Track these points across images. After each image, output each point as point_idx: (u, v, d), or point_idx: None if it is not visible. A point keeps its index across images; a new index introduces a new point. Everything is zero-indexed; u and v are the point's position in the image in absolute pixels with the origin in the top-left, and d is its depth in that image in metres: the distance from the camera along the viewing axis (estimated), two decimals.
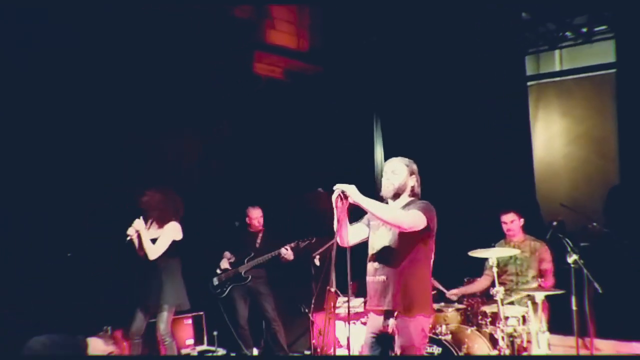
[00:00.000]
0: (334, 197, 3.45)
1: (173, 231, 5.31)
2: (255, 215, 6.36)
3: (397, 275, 3.53)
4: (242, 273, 6.21)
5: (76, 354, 3.73)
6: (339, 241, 3.59)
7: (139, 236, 5.22)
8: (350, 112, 7.86)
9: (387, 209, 3.51)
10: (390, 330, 3.57)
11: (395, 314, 3.53)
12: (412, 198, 3.70)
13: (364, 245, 3.81)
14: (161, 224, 5.31)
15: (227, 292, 6.23)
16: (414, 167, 3.75)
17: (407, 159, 3.75)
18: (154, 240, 5.24)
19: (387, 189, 3.65)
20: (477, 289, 5.66)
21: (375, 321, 3.67)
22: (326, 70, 8.01)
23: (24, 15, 5.20)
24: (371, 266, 3.66)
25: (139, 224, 5.21)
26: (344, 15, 7.85)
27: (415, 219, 3.47)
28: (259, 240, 6.36)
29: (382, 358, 3.60)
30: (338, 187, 3.44)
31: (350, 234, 3.60)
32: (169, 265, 5.30)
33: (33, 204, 5.27)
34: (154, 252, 5.20)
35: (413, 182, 3.70)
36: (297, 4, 7.98)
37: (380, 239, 3.63)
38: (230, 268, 6.30)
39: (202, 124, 6.82)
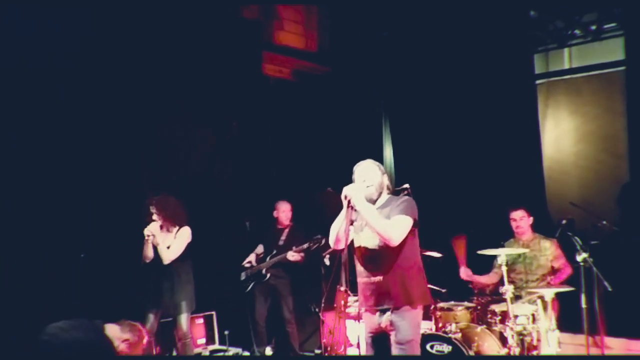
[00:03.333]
0: (344, 204, 3.50)
1: (187, 235, 5.38)
2: (284, 209, 6.29)
3: (393, 273, 3.53)
4: (263, 271, 6.20)
5: (94, 338, 3.72)
6: (339, 246, 3.62)
7: (153, 239, 5.26)
8: (358, 112, 7.88)
9: (382, 221, 3.50)
10: (384, 325, 3.57)
11: (391, 308, 3.53)
12: (389, 195, 3.73)
13: None
14: (173, 227, 5.37)
15: (250, 288, 6.24)
16: (382, 166, 3.80)
17: (374, 160, 3.77)
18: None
19: (369, 193, 3.64)
20: (487, 282, 5.68)
21: (371, 320, 3.67)
22: (335, 70, 8.03)
23: (35, 15, 5.26)
24: (363, 268, 3.65)
25: (154, 227, 5.26)
26: (353, 13, 7.87)
27: (403, 230, 3.49)
28: (283, 237, 6.29)
29: (386, 358, 3.60)
30: (345, 191, 3.48)
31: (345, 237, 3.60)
32: (186, 267, 5.37)
33: (44, 206, 5.33)
34: (168, 256, 5.26)
35: (387, 180, 3.73)
36: (306, 4, 8.01)
37: (368, 239, 3.62)
38: (255, 264, 6.31)
39: (211, 125, 6.86)
